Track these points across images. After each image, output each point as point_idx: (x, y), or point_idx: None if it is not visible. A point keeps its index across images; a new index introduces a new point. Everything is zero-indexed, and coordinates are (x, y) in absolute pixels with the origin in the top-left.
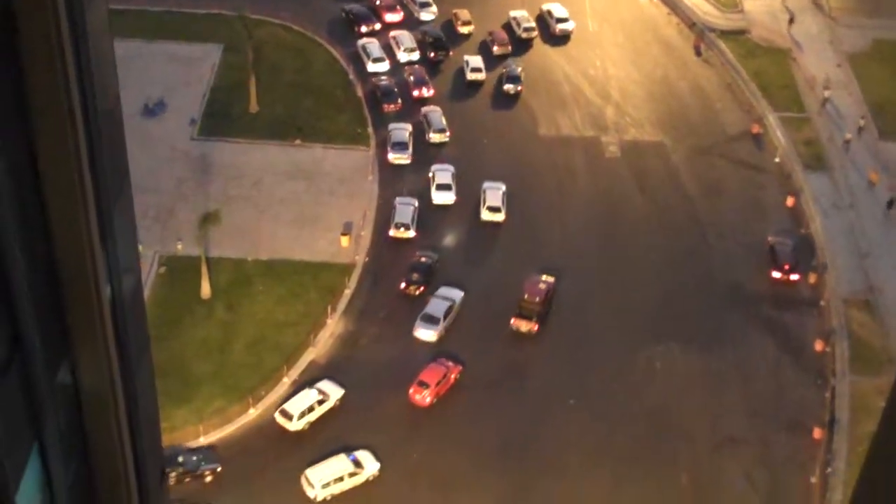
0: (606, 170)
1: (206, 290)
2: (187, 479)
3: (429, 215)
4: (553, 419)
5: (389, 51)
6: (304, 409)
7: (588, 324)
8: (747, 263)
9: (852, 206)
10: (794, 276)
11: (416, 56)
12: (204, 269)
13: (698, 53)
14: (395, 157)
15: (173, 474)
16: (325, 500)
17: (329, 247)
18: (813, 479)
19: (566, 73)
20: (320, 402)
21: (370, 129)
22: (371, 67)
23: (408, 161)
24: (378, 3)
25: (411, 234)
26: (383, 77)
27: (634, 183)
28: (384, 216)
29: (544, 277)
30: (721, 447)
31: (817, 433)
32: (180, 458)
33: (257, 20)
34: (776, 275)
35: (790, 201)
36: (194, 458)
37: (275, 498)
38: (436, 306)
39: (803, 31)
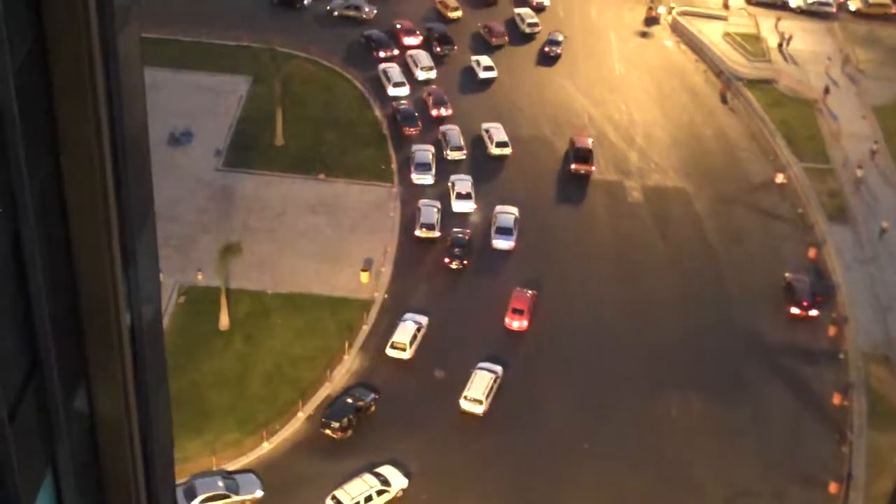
0: (628, 214)
1: (224, 321)
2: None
3: (450, 222)
4: (566, 462)
5: (408, 70)
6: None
7: (605, 367)
8: (766, 313)
9: (874, 259)
10: (814, 312)
11: (433, 74)
12: (223, 301)
13: (724, 101)
14: (418, 178)
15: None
16: None
17: (349, 282)
18: None
19: (591, 116)
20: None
21: (394, 167)
22: (392, 92)
23: (431, 182)
24: (398, 27)
25: (436, 234)
26: (403, 101)
27: (656, 228)
28: (404, 254)
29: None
30: (734, 500)
31: (833, 488)
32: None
33: (286, 53)
34: (795, 311)
35: (812, 252)
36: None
37: None
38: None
39: (829, 82)
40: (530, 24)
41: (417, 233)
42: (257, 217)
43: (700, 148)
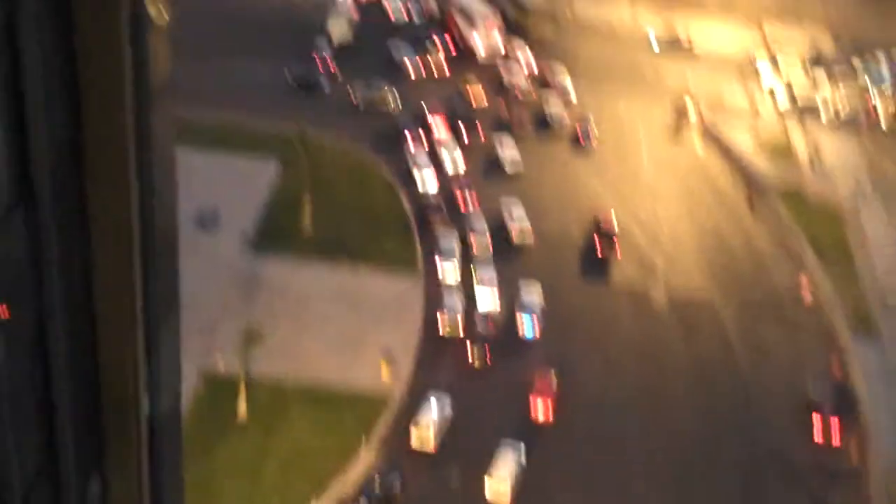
0: (651, 317)
1: (242, 409)
2: None
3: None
4: None
5: (435, 157)
6: None
7: (621, 484)
8: (789, 429)
9: None
10: (836, 429)
11: (461, 161)
12: (242, 388)
13: (752, 207)
14: (443, 266)
15: None
16: None
17: (369, 373)
18: None
19: (617, 215)
20: None
21: (419, 257)
22: (419, 179)
23: (456, 270)
24: (425, 110)
25: (459, 325)
26: (432, 191)
27: (679, 335)
28: (427, 346)
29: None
30: None
31: None
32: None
33: (317, 138)
34: (816, 424)
35: (836, 364)
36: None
37: None
38: None
39: (857, 190)
40: (555, 114)
41: (440, 324)
42: (281, 303)
43: (726, 254)
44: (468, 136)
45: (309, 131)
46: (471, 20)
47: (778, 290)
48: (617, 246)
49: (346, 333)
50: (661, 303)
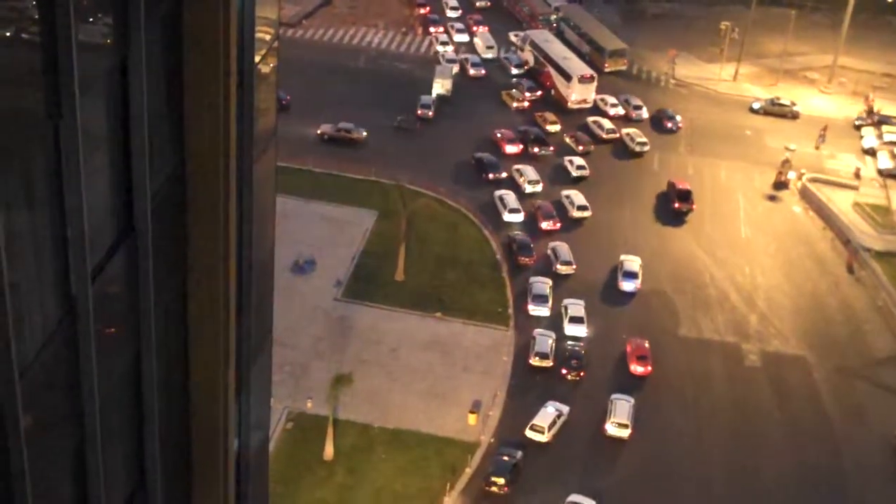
0: (745, 378)
1: (329, 451)
2: None
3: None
4: None
5: (514, 184)
6: None
7: None
8: (881, 497)
9: None
10: None
11: (539, 188)
12: (330, 430)
13: (851, 271)
14: (534, 309)
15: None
16: None
17: (456, 423)
18: None
19: (713, 276)
20: None
21: (510, 311)
22: (507, 217)
23: (547, 314)
24: (499, 136)
25: (550, 363)
26: (518, 231)
27: (772, 396)
28: (514, 397)
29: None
30: None
31: None
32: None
33: (413, 191)
34: None
35: None
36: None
37: None
38: None
39: None
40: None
41: (532, 361)
42: (371, 350)
43: (823, 317)
44: (537, 147)
45: (410, 184)
46: (566, 75)
47: (875, 355)
48: (694, 204)
49: (434, 381)
50: (755, 361)
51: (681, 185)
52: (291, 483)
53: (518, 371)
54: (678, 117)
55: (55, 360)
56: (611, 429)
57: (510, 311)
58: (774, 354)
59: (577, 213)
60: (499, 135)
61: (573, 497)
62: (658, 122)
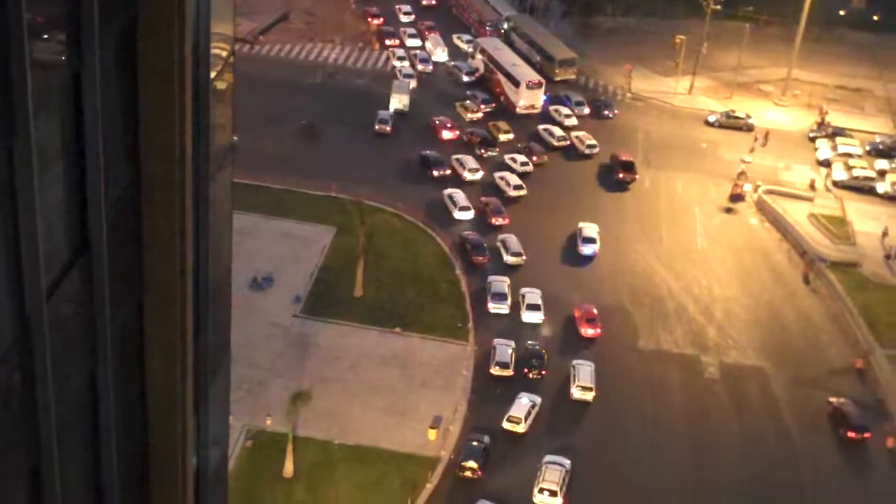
0: (703, 390)
1: (289, 468)
2: None
3: (521, 332)
4: None
5: (455, 173)
6: None
7: None
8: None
9: None
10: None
11: (479, 175)
12: (290, 448)
13: (807, 282)
14: (494, 307)
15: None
16: None
17: (416, 438)
18: None
19: (671, 289)
20: None
21: (470, 325)
22: (458, 215)
23: (507, 311)
24: (437, 122)
25: (510, 372)
26: (470, 231)
27: (731, 407)
28: (474, 413)
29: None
30: None
31: None
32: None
33: (372, 207)
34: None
35: (891, 442)
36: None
37: None
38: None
39: None
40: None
41: (492, 370)
42: (330, 366)
43: (780, 328)
44: (482, 149)
45: (368, 200)
46: (514, 81)
47: (832, 364)
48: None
49: (394, 397)
50: (713, 373)
51: (624, 157)
52: (251, 501)
53: (478, 385)
54: (614, 106)
55: (9, 380)
56: (576, 392)
57: (470, 325)
58: (733, 366)
59: (513, 193)
60: (437, 122)
61: (548, 457)
62: (598, 112)
